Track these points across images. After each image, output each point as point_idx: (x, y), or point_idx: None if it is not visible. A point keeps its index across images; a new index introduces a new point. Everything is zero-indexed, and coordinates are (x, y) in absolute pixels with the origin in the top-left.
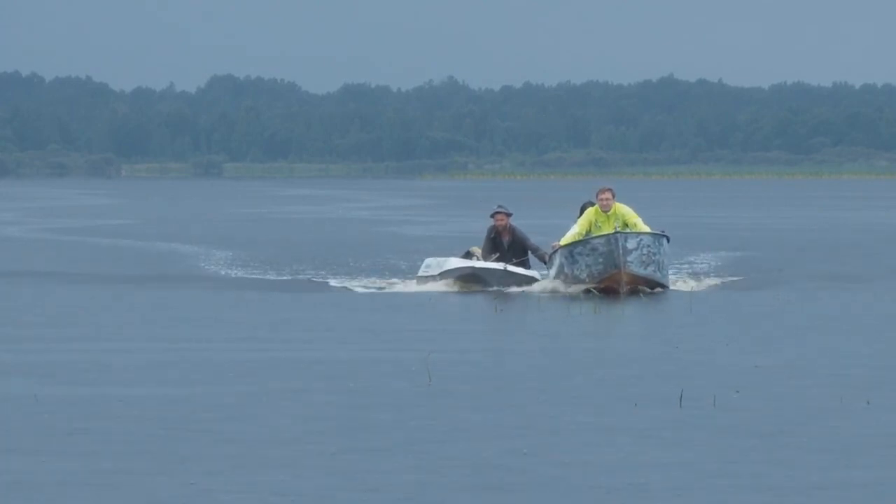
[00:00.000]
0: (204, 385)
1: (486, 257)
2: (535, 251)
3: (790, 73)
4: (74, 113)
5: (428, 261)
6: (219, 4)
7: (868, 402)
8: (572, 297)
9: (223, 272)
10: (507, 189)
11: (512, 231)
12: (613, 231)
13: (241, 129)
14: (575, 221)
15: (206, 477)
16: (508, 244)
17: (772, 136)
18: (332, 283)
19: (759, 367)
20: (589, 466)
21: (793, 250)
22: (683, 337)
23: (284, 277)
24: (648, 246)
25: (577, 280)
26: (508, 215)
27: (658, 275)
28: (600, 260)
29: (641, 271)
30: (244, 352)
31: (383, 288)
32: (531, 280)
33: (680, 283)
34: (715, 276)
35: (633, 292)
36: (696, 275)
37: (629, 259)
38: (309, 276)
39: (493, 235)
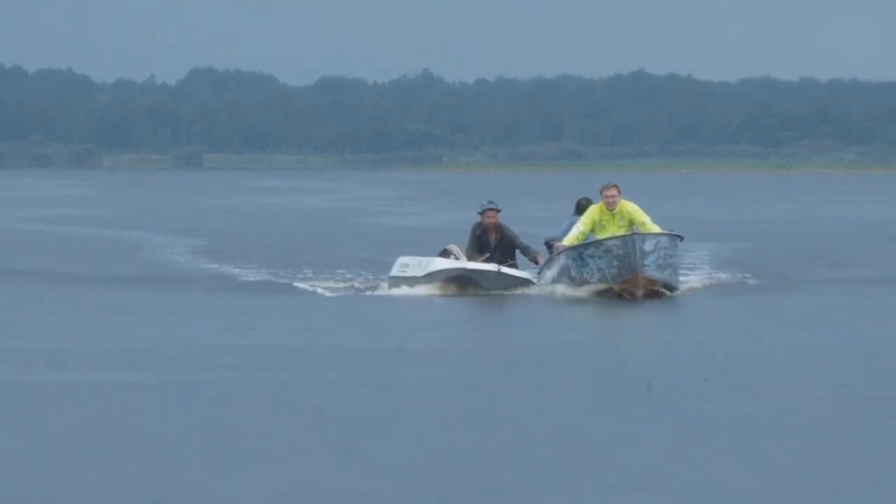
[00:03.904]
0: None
1: (470, 257)
2: (526, 251)
3: (758, 68)
4: (57, 104)
5: (403, 260)
6: None
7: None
8: (581, 300)
9: (185, 263)
10: (480, 181)
11: (500, 229)
12: (625, 231)
13: (220, 120)
14: (570, 219)
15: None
16: (496, 243)
17: (741, 130)
18: (297, 284)
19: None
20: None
21: (783, 244)
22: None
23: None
24: (665, 248)
25: (585, 283)
26: (498, 212)
27: (673, 278)
28: (615, 263)
29: (658, 275)
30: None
31: (352, 291)
32: (526, 282)
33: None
34: (724, 273)
35: (649, 294)
36: (705, 273)
37: (646, 262)
38: (272, 274)
39: (479, 233)
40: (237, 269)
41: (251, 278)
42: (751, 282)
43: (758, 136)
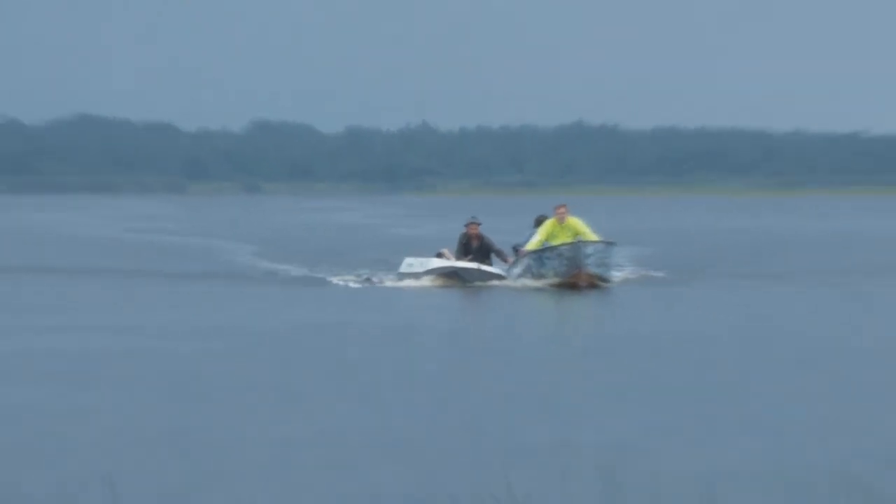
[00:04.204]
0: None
1: (458, 258)
2: (499, 254)
3: (666, 118)
4: (154, 145)
5: (409, 260)
6: (249, 55)
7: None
8: (540, 290)
9: (247, 263)
10: (464, 203)
11: (480, 237)
12: (572, 239)
13: (273, 157)
14: (530, 230)
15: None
16: (476, 248)
17: (654, 164)
18: (329, 278)
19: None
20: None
21: (694, 250)
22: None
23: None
24: (602, 251)
25: (543, 277)
26: (479, 224)
27: (607, 273)
28: (565, 262)
29: (596, 271)
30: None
31: (369, 283)
32: (499, 277)
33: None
34: (649, 270)
35: (590, 286)
36: (630, 269)
37: (588, 262)
38: (310, 270)
39: (465, 241)
40: (284, 267)
41: (294, 274)
42: (662, 275)
43: (667, 169)
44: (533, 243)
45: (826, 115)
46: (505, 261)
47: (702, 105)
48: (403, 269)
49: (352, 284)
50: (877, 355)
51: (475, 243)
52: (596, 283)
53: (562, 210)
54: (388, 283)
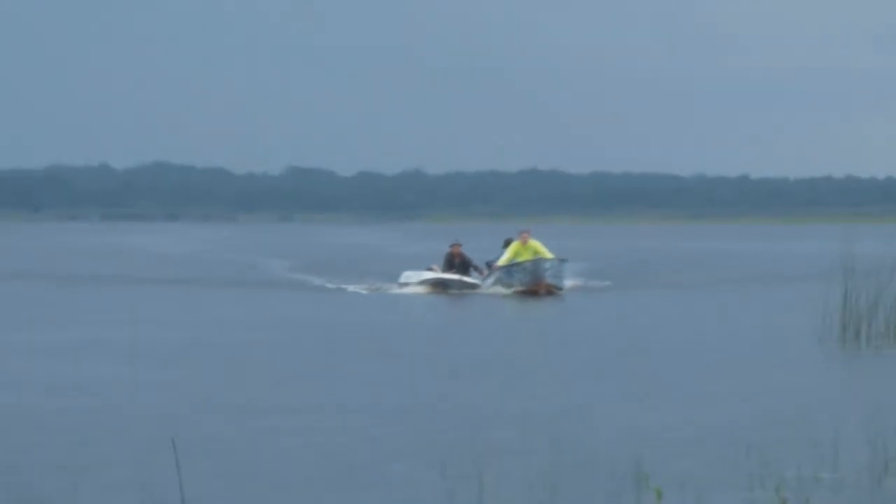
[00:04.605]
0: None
1: (444, 271)
2: (476, 268)
3: (590, 165)
4: (214, 185)
5: (406, 273)
6: (283, 112)
7: None
8: (508, 296)
9: (281, 274)
10: (448, 230)
11: (462, 255)
12: (533, 257)
13: (304, 194)
14: (499, 250)
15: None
16: (458, 264)
17: (592, 201)
18: (342, 286)
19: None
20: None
21: (624, 265)
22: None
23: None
24: (556, 266)
25: (511, 286)
26: (460, 245)
27: (561, 283)
28: (528, 275)
29: (553, 282)
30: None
31: (375, 290)
32: (476, 286)
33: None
34: (591, 280)
35: (547, 293)
36: (578, 280)
37: (546, 275)
38: (328, 280)
39: (449, 258)
40: (311, 278)
41: (318, 283)
42: (602, 284)
43: (601, 203)
44: (503, 260)
45: (722, 162)
46: (481, 273)
47: (627, 154)
48: (402, 279)
49: (362, 291)
50: (765, 343)
51: (457, 260)
52: (552, 292)
53: (525, 234)
54: (391, 291)
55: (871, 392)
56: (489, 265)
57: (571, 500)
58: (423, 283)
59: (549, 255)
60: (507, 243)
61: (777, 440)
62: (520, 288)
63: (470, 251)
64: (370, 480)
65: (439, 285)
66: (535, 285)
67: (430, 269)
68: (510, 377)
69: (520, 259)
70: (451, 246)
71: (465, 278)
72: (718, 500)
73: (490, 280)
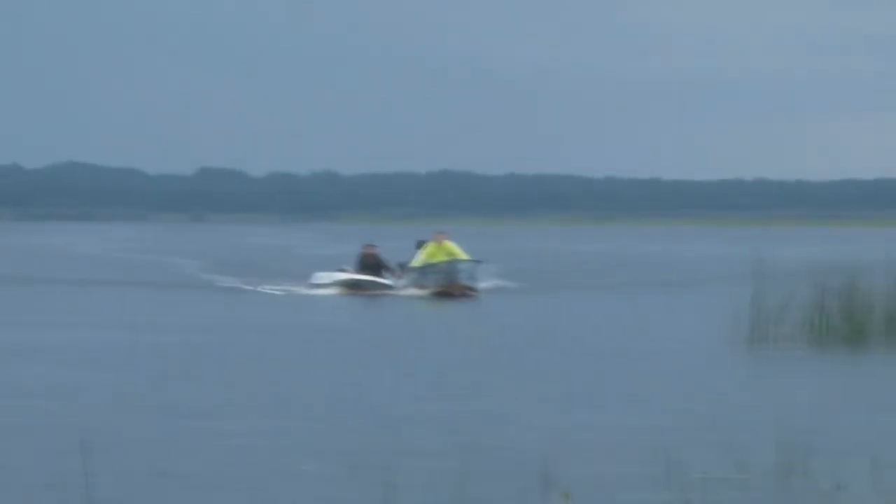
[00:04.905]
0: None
1: (357, 272)
2: (389, 269)
3: (512, 165)
4: (126, 186)
5: (319, 273)
6: (195, 111)
7: None
8: (423, 297)
9: (192, 274)
10: (360, 231)
11: (375, 256)
12: (448, 258)
13: (215, 195)
14: (412, 251)
15: None
16: (372, 265)
17: (503, 202)
18: (255, 287)
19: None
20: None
21: (536, 267)
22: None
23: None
24: (471, 268)
25: (425, 287)
26: (374, 246)
27: (475, 284)
28: (443, 276)
29: (467, 283)
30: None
31: (288, 291)
32: (390, 287)
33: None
34: (506, 282)
35: (462, 295)
36: (492, 281)
37: (460, 276)
38: (242, 281)
39: (362, 259)
40: (221, 278)
41: (228, 284)
42: (515, 285)
43: (512, 205)
44: (417, 261)
45: (633, 164)
46: (394, 275)
47: (539, 156)
48: (315, 280)
49: (275, 292)
50: (675, 346)
51: (370, 261)
52: (467, 293)
53: (441, 235)
54: (304, 292)
55: (778, 394)
56: (402, 266)
57: (480, 502)
58: (335, 283)
59: (464, 256)
60: (420, 244)
61: (685, 442)
62: (435, 289)
63: (383, 252)
64: (281, 480)
65: (352, 286)
66: (450, 286)
67: (342, 270)
68: (423, 378)
69: (434, 260)
70: (364, 247)
71: (379, 279)
72: (627, 502)
73: (405, 281)
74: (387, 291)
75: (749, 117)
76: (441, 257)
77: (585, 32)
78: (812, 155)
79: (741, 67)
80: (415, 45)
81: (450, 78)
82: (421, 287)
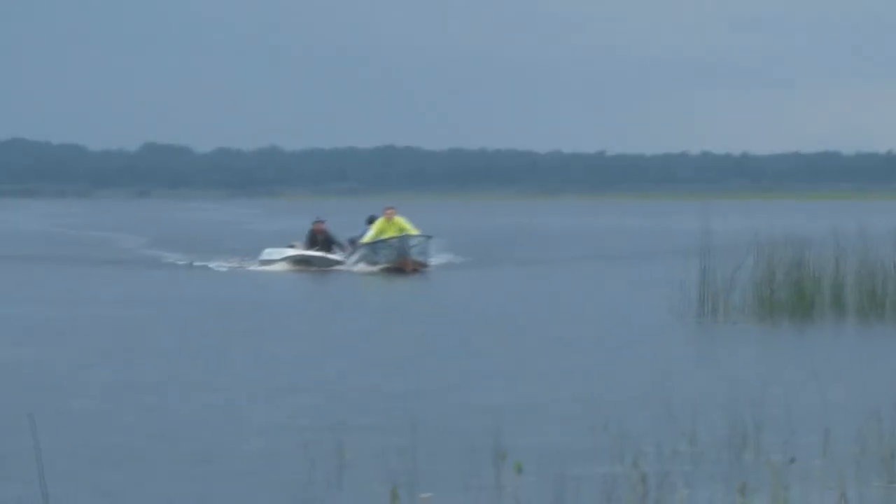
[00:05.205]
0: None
1: (307, 248)
2: (340, 245)
3: (456, 140)
4: (68, 161)
5: (267, 250)
6: (141, 86)
7: None
8: (374, 273)
9: (137, 250)
10: (305, 206)
11: (325, 232)
12: (399, 234)
13: (161, 170)
14: (363, 227)
15: None
16: (322, 240)
17: (448, 177)
18: (203, 263)
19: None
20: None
21: (483, 241)
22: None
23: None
24: (422, 243)
25: (377, 263)
26: (323, 222)
27: (426, 259)
28: (394, 252)
29: (418, 258)
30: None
31: (236, 267)
32: (340, 263)
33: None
34: (454, 256)
35: (414, 270)
36: (442, 256)
37: (411, 251)
38: (190, 257)
39: (312, 235)
40: (167, 254)
41: (174, 259)
42: (464, 260)
43: (457, 180)
44: (367, 237)
45: (578, 138)
46: (344, 251)
47: (482, 131)
48: (263, 256)
49: (223, 268)
50: (624, 319)
51: (320, 237)
52: (418, 268)
53: (390, 211)
54: (252, 268)
55: (728, 366)
56: (352, 242)
57: (431, 476)
58: (285, 259)
59: (414, 231)
60: (370, 220)
61: (636, 414)
62: (386, 265)
63: (334, 227)
64: (231, 456)
65: (302, 262)
66: (401, 262)
67: (291, 247)
68: (374, 354)
69: (385, 236)
70: (314, 223)
71: (329, 255)
72: (578, 475)
73: (355, 257)
74: (337, 267)
75: (694, 91)
76: (391, 233)
77: (521, 9)
78: (757, 128)
79: (687, 42)
80: (357, 24)
81: (391, 55)
82: (372, 263)
